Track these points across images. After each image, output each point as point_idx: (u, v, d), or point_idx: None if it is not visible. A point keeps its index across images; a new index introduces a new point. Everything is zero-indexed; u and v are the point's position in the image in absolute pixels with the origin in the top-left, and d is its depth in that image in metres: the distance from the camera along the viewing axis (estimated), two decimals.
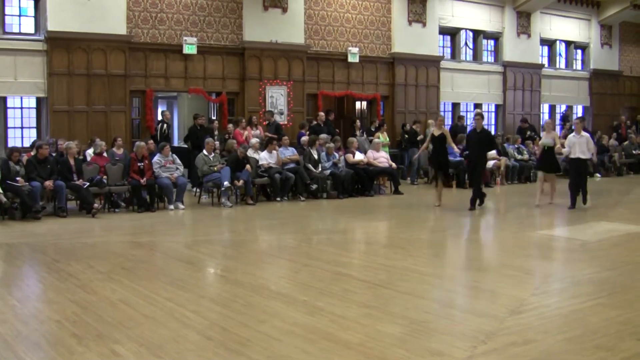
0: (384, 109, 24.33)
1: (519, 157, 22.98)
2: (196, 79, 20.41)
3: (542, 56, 29.36)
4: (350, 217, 15.28)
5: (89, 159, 16.40)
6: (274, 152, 17.91)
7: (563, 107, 30.69)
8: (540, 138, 18.72)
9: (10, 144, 17.67)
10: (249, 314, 7.15)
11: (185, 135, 20.55)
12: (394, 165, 19.74)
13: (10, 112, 18.68)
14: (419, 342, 6.25)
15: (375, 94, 23.96)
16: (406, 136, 22.74)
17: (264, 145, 18.24)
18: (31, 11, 18.60)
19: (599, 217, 14.80)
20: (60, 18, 18.10)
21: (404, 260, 10.12)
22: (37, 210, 14.04)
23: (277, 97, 21.45)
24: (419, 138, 22.31)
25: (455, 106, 26.77)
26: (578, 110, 31.24)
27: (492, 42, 27.80)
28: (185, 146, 19.58)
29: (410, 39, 24.33)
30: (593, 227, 13.56)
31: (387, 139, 21.69)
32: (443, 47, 26.33)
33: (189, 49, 19.86)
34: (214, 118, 21.00)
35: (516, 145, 23.54)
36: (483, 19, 27.01)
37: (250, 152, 17.64)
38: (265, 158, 17.70)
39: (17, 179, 14.19)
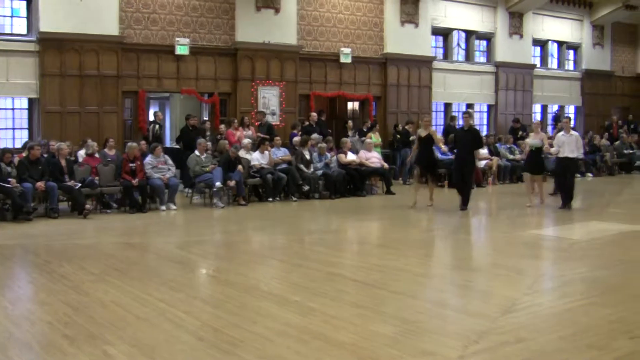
0: (376, 109, 24.33)
1: (511, 157, 23.03)
2: (188, 80, 20.37)
3: (534, 56, 29.41)
4: (342, 217, 15.29)
5: (80, 159, 16.36)
6: (266, 152, 17.89)
7: (555, 107, 30.74)
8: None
9: (2, 145, 17.58)
10: (241, 314, 7.14)
11: (177, 136, 20.53)
12: (386, 165, 19.75)
13: (2, 113, 18.62)
14: (411, 342, 6.26)
15: (368, 95, 23.96)
16: (398, 136, 22.74)
17: (256, 145, 18.23)
18: (23, 12, 18.54)
19: (590, 217, 14.85)
20: (52, 19, 18.04)
21: (396, 261, 10.12)
22: (28, 211, 13.99)
23: (269, 98, 21.44)
24: (411, 138, 22.28)
25: (448, 106, 26.79)
26: (570, 111, 31.30)
27: (484, 43, 27.83)
28: (178, 147, 19.56)
29: (402, 40, 24.32)
30: (584, 227, 13.61)
31: (379, 139, 21.68)
32: (435, 47, 26.33)
33: (182, 49, 19.83)
34: (206, 119, 20.98)
35: (508, 145, 23.59)
36: (475, 19, 27.02)
37: (242, 153, 17.62)
38: (257, 159, 17.68)
39: (9, 180, 14.15)
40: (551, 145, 16.34)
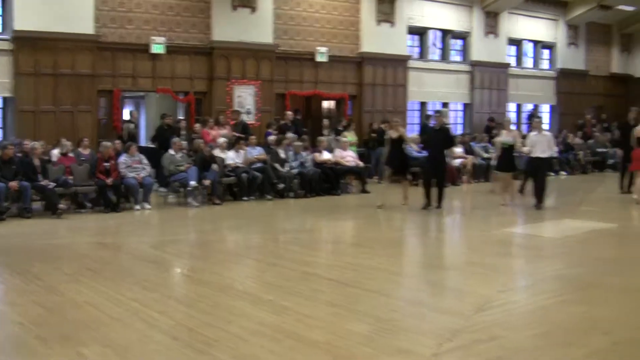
0: (352, 108, 24.31)
1: (486, 155, 23.08)
2: (164, 79, 20.26)
3: (509, 55, 29.51)
4: (317, 216, 15.30)
5: (54, 159, 16.24)
6: (241, 151, 17.87)
7: (530, 106, 30.89)
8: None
9: None
10: (215, 314, 7.13)
11: (152, 135, 20.44)
12: (361, 164, 19.77)
13: None
14: (386, 340, 6.28)
15: (343, 94, 23.95)
16: (374, 135, 22.75)
17: (232, 144, 18.19)
18: None
19: (564, 215, 14.96)
20: (27, 17, 17.85)
21: (370, 259, 10.15)
22: (1, 211, 13.87)
23: (245, 97, 21.37)
24: (385, 137, 22.31)
25: (423, 105, 26.83)
26: (545, 109, 31.49)
27: (460, 42, 27.91)
28: (153, 146, 19.48)
29: (378, 39, 24.33)
30: (558, 225, 13.71)
31: (355, 138, 21.68)
32: (412, 46, 26.38)
33: (157, 48, 19.73)
34: (182, 118, 20.91)
35: (483, 144, 23.67)
36: (451, 18, 27.07)
37: (217, 152, 17.57)
38: (232, 158, 17.65)
39: None
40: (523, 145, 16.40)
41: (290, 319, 6.93)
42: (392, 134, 16.27)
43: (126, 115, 20.70)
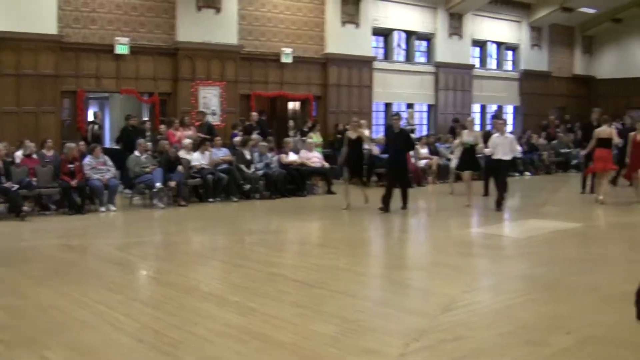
0: (317, 109, 24.36)
1: (451, 156, 23.19)
2: (128, 80, 20.15)
3: (473, 57, 29.77)
4: (283, 217, 15.29)
5: (18, 160, 16.07)
6: (207, 152, 17.81)
7: (494, 107, 31.11)
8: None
9: None
10: (181, 315, 7.11)
11: (117, 136, 20.31)
12: (326, 165, 19.79)
13: None
14: (352, 341, 6.29)
15: (308, 95, 23.99)
16: (339, 136, 22.76)
17: (197, 146, 18.13)
18: None
19: (528, 215, 15.08)
20: None
21: (336, 260, 10.17)
22: None
23: (210, 98, 21.32)
24: (345, 137, 22.32)
25: (388, 106, 26.93)
26: (509, 110, 31.77)
27: (424, 43, 28.06)
28: (118, 147, 19.35)
29: (343, 40, 24.38)
30: (522, 225, 13.83)
31: (320, 139, 21.71)
32: (376, 47, 26.47)
33: (121, 49, 19.62)
34: (147, 119, 20.81)
35: (448, 145, 23.78)
36: (416, 20, 27.21)
37: (182, 153, 17.49)
38: (197, 159, 17.59)
39: None
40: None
41: (256, 320, 6.93)
42: (351, 134, 16.23)
43: (90, 116, 20.57)
